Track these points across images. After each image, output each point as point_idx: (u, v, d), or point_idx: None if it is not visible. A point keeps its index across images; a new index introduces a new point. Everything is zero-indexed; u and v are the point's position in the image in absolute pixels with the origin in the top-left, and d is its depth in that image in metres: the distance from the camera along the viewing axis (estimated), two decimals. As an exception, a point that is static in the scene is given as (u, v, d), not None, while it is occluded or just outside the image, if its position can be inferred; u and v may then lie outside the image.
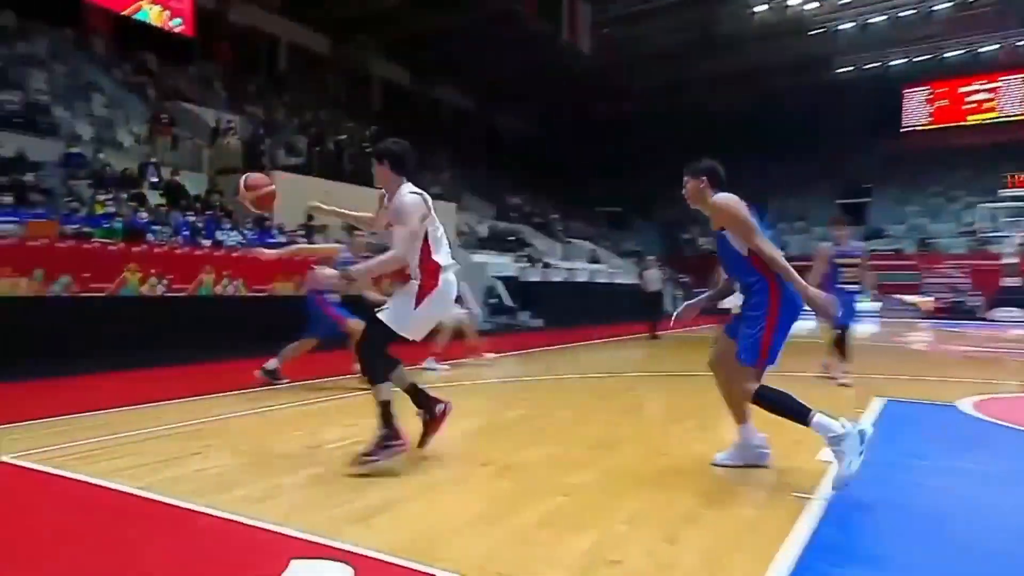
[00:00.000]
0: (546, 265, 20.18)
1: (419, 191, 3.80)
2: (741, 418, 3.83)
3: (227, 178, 15.68)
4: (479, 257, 18.90)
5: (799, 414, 3.43)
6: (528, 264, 19.99)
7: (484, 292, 16.62)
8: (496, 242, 21.69)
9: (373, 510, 3.12)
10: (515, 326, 16.33)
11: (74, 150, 13.26)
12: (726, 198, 3.58)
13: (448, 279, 3.80)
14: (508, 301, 16.96)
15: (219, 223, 12.40)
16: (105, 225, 10.55)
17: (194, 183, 14.48)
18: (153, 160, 14.34)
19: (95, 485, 3.42)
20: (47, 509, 3.15)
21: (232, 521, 2.96)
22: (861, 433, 3.33)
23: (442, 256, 3.81)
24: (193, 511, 3.07)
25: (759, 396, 3.52)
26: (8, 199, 9.90)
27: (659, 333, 13.27)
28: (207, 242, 11.37)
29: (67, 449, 4.11)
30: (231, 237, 12.24)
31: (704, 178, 3.70)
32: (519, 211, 26.61)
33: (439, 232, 3.82)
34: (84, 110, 15.49)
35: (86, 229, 10.16)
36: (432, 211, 3.79)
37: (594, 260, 24.29)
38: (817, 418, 3.38)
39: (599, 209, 32.82)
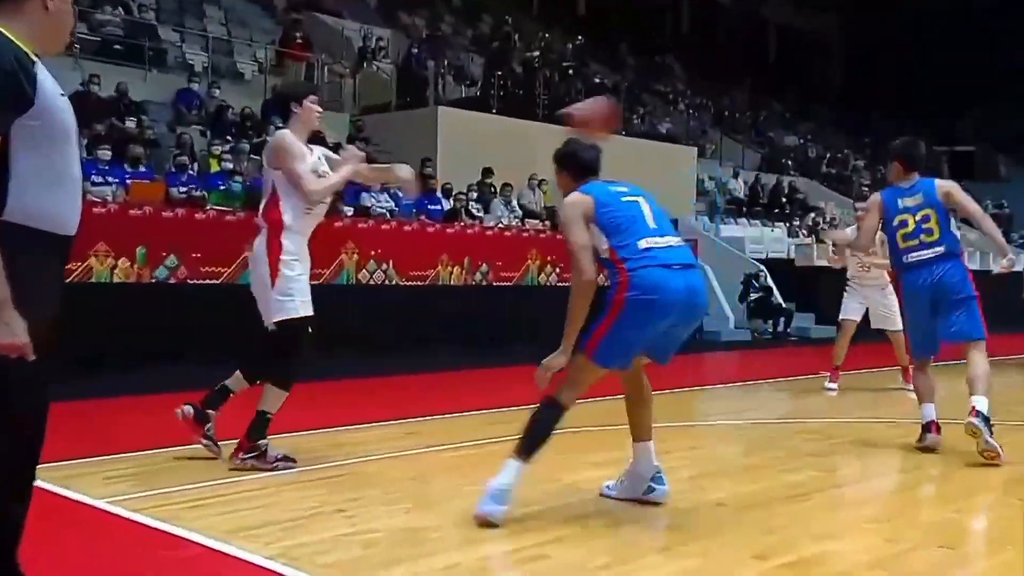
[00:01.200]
0: (842, 243, 19.27)
1: None
2: (637, 434, 4.52)
3: (375, 119, 16.61)
4: (731, 230, 18.42)
5: (525, 449, 4.11)
6: (811, 240, 19.20)
7: (739, 285, 16.25)
8: (760, 206, 21.07)
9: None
10: (788, 337, 15.90)
11: (186, 86, 14.71)
12: (567, 200, 4.35)
13: None
14: (778, 298, 16.46)
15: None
16: (221, 187, 11.59)
17: (333, 126, 15.48)
18: (281, 96, 15.51)
19: (213, 550, 3.70)
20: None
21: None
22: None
23: None
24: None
25: (543, 403, 4.18)
26: (106, 153, 11.16)
27: None
28: (349, 209, 12.08)
29: (179, 494, 4.52)
30: (381, 203, 12.93)
31: (565, 172, 4.52)
32: (797, 157, 25.66)
33: None
34: (197, 30, 17.14)
35: (198, 192, 11.22)
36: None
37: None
38: (519, 466, 4.06)
39: (936, 149, 30.58)
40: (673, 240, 4.28)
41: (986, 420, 5.51)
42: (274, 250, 4.94)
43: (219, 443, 5.21)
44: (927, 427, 6.02)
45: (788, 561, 3.70)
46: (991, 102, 30.24)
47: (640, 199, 4.36)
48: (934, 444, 5.97)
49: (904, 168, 6.13)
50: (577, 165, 4.49)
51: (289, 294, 4.93)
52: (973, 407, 5.60)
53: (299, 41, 17.18)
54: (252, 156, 12.82)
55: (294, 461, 5.11)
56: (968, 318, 5.89)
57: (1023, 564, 3.79)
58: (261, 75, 16.94)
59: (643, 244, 4.16)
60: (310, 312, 5.02)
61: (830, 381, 9.18)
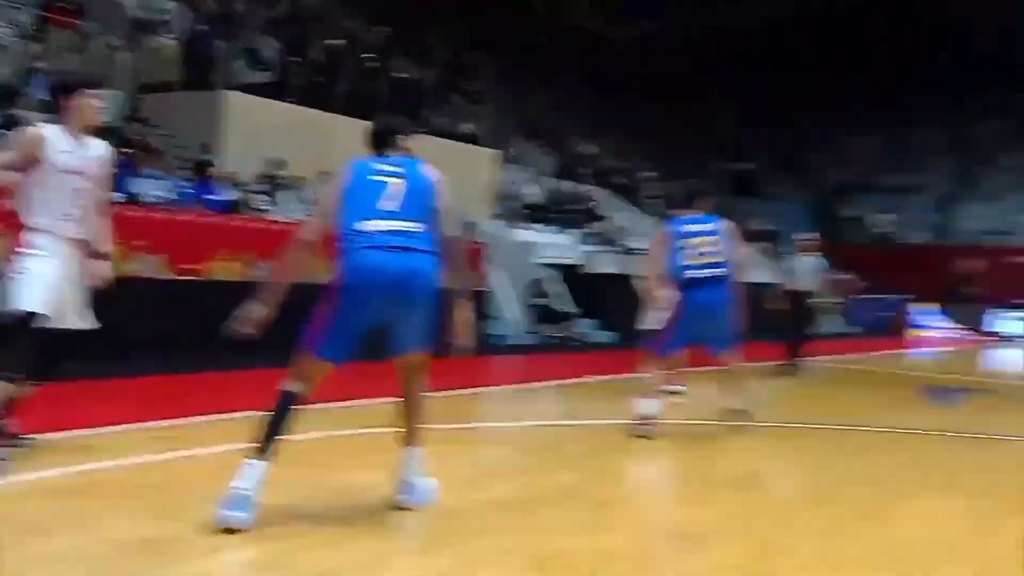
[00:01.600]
0: (628, 251, 20.17)
1: None
2: (403, 438, 4.58)
3: (156, 99, 16.06)
4: (524, 235, 19.08)
5: (260, 447, 4.10)
6: (599, 247, 20.15)
7: (527, 289, 16.84)
8: (552, 213, 21.88)
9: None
10: (571, 341, 16.63)
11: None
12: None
13: None
14: (564, 303, 17.14)
15: (137, 168, 12.72)
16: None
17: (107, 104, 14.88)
18: (43, 66, 14.73)
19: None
20: None
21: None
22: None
23: None
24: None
25: (278, 395, 4.23)
26: None
27: (803, 359, 12.89)
28: (119, 196, 11.64)
29: None
30: (155, 190, 12.55)
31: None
32: (592, 165, 26.57)
33: None
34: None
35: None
36: None
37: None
38: (260, 466, 4.04)
39: (721, 166, 32.63)
40: (409, 225, 4.29)
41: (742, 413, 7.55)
42: (12, 243, 5.03)
43: (25, 437, 5.32)
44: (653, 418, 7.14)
45: (537, 555, 4.00)
46: (774, 114, 32.51)
47: (393, 180, 4.38)
48: (651, 435, 7.02)
49: (688, 206, 7.77)
50: (367, 140, 4.69)
51: (15, 285, 4.97)
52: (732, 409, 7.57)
53: (66, 6, 16.38)
54: (4, 132, 12.16)
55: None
56: (728, 330, 7.45)
57: (743, 553, 4.21)
58: (21, 40, 16.03)
59: (361, 226, 4.24)
60: (36, 308, 4.99)
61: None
